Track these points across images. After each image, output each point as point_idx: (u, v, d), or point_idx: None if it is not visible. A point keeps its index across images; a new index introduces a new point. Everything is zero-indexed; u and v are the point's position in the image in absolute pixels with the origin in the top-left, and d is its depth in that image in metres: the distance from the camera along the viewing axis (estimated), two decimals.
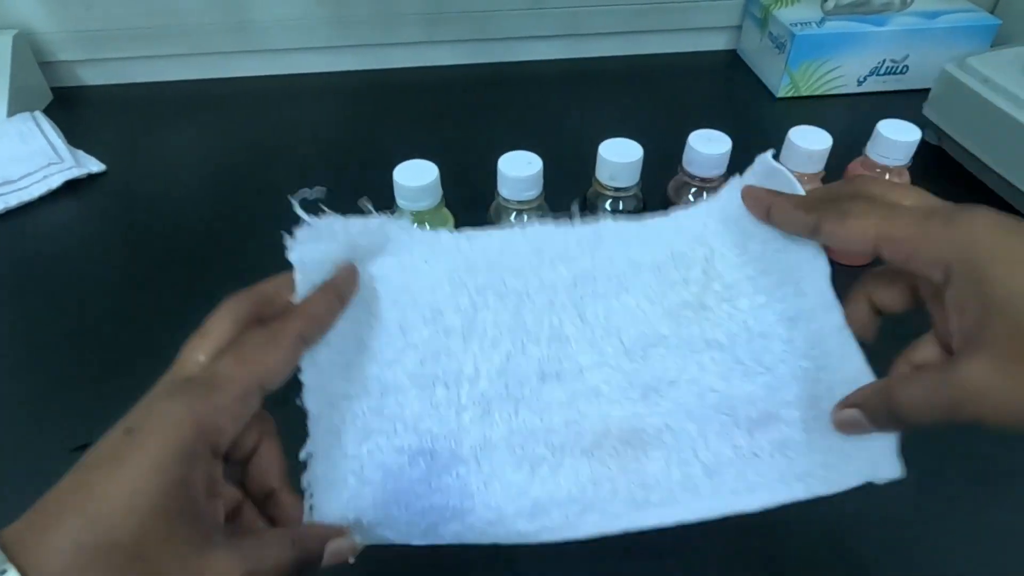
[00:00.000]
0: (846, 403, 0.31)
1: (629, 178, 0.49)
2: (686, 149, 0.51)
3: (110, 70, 0.82)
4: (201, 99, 0.80)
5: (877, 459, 0.31)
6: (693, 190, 0.52)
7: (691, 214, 0.37)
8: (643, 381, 0.34)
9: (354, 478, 0.31)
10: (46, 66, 0.79)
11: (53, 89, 0.80)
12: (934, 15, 0.75)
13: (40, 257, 0.60)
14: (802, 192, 0.32)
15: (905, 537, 0.41)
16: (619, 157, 0.48)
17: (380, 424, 0.32)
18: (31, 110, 0.72)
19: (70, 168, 0.67)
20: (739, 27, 0.85)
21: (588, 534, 0.32)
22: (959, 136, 0.63)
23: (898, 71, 0.77)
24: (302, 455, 0.30)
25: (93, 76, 0.82)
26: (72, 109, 0.78)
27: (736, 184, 0.36)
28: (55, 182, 0.65)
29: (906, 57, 0.76)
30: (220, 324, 0.28)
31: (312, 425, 0.31)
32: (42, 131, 0.69)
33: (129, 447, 0.24)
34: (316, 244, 0.31)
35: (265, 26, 0.80)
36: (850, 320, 0.32)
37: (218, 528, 0.26)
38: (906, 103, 0.70)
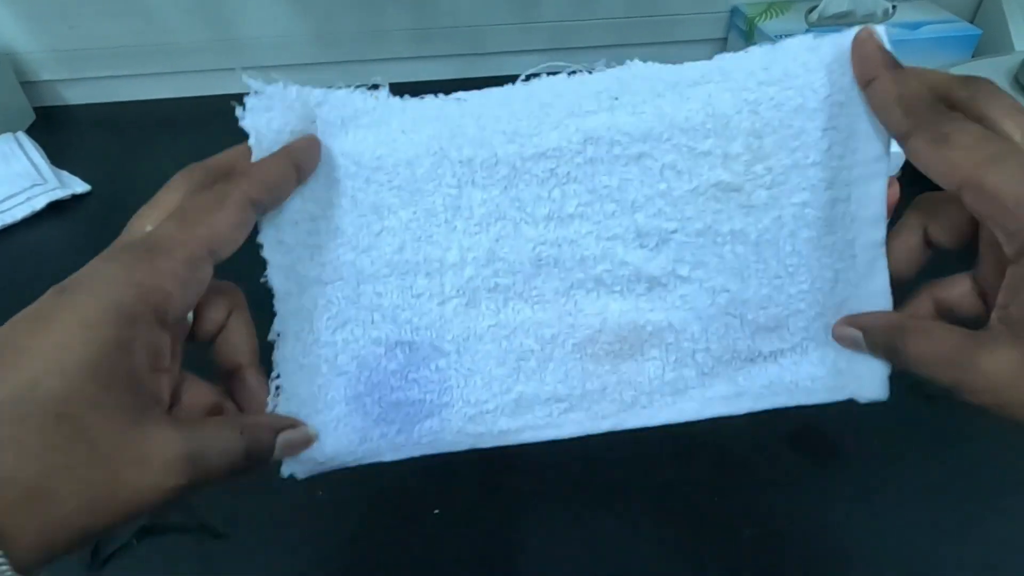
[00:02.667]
0: (853, 322, 0.30)
1: None
2: None
3: (93, 89, 0.81)
4: (186, 117, 0.79)
5: (866, 378, 0.30)
6: None
7: (740, 61, 0.30)
8: (651, 273, 0.31)
9: (327, 366, 0.30)
10: (28, 86, 0.78)
11: (36, 109, 0.79)
12: (916, 26, 0.76)
13: (23, 280, 0.59)
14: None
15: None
16: None
17: (356, 313, 0.30)
18: (13, 131, 0.71)
19: (54, 189, 0.66)
20: (724, 39, 0.86)
21: (571, 433, 0.31)
22: None
23: None
24: (270, 335, 0.29)
25: (76, 95, 0.82)
26: (55, 129, 0.78)
27: (809, 41, 0.30)
28: (38, 204, 0.64)
29: None
30: (170, 194, 0.26)
31: (279, 304, 0.29)
32: (25, 152, 0.68)
33: (59, 306, 0.22)
34: (271, 113, 0.29)
35: (250, 43, 0.79)
36: (898, 247, 0.29)
37: (159, 404, 0.24)
38: None
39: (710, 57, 0.30)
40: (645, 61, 0.30)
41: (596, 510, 0.41)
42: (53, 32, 0.76)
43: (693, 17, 0.83)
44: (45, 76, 0.79)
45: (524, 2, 0.80)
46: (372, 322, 0.30)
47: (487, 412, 0.30)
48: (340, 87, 0.31)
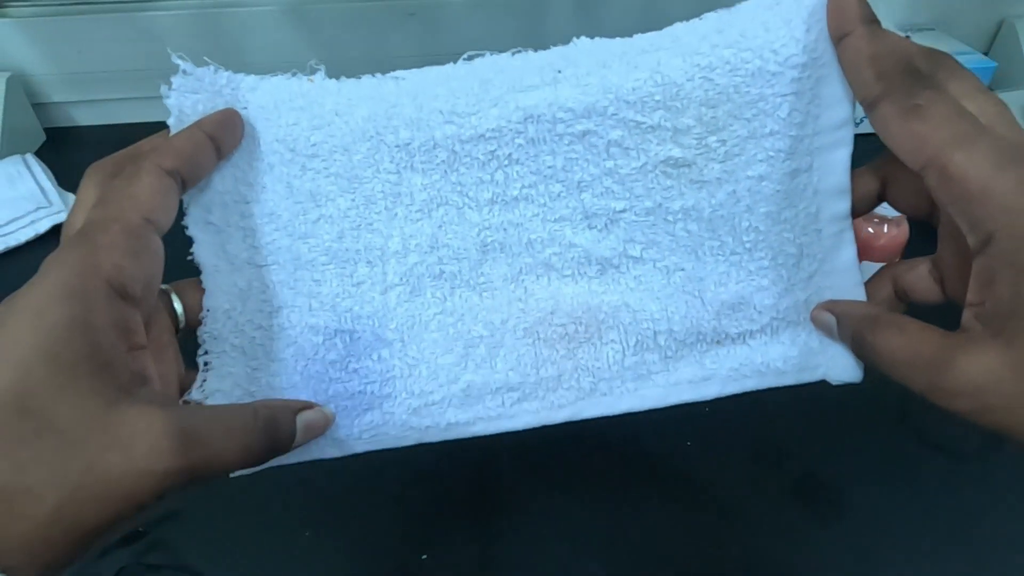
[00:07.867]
0: (830, 307, 0.29)
1: None
2: None
3: (103, 111, 0.82)
4: None
5: (840, 358, 0.29)
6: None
7: (694, 27, 0.28)
8: (601, 255, 0.30)
9: (261, 351, 0.29)
10: (39, 107, 0.79)
11: (46, 130, 0.80)
12: None
13: None
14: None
15: None
16: None
17: (293, 299, 0.29)
18: (24, 151, 0.71)
19: (59, 212, 0.66)
20: None
21: (526, 424, 0.30)
22: None
23: None
24: (201, 314, 0.28)
25: (86, 116, 0.82)
26: (65, 150, 0.78)
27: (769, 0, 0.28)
28: (43, 227, 0.65)
29: None
30: (88, 191, 0.25)
31: (207, 279, 0.28)
32: (32, 174, 0.69)
33: (10, 305, 0.21)
34: (197, 96, 0.28)
35: (258, 68, 0.80)
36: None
37: (142, 383, 0.22)
38: None
39: None
40: None
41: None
42: (64, 57, 0.77)
43: None
44: (56, 98, 0.80)
45: (529, 24, 0.80)
46: (310, 309, 0.29)
47: (433, 404, 0.29)
48: (275, 74, 0.30)
